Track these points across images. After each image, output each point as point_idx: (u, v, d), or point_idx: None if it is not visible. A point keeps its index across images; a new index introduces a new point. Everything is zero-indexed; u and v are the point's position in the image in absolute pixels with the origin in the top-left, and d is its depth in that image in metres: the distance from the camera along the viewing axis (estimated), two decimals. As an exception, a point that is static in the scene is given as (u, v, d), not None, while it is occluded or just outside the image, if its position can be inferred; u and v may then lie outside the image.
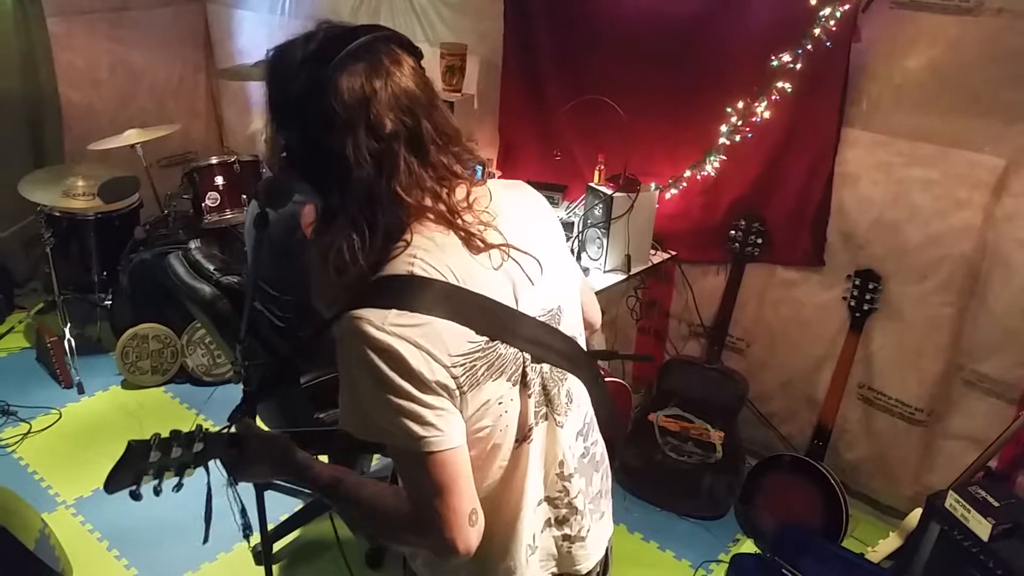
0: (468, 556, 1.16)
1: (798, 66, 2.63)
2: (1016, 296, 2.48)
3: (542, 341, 1.24)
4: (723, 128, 2.84)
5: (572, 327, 1.32)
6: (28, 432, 3.37)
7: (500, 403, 1.19)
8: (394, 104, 1.12)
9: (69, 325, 3.64)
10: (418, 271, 1.12)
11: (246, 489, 2.19)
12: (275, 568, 2.70)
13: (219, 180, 3.81)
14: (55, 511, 2.95)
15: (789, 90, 2.68)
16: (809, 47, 2.59)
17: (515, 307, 1.21)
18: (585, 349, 1.36)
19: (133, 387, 3.68)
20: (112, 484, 1.26)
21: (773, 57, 2.65)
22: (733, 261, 3.01)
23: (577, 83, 3.15)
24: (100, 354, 3.87)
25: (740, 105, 2.79)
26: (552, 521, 1.33)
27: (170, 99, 4.95)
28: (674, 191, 3.07)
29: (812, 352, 2.98)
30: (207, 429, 1.35)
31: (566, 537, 1.35)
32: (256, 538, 2.58)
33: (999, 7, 2.31)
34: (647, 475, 3.01)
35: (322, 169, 1.13)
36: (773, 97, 2.71)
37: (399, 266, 1.13)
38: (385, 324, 1.08)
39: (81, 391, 3.63)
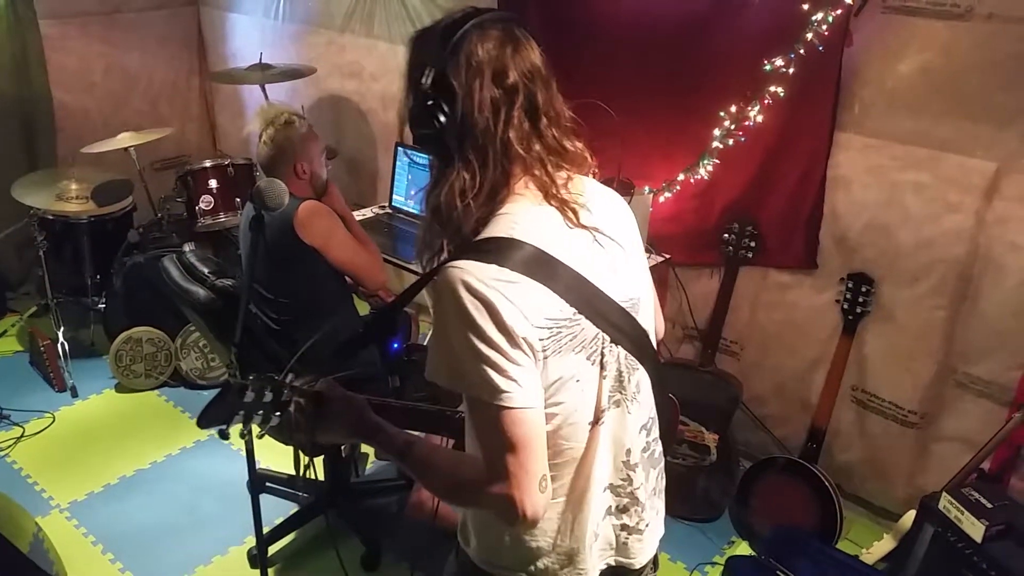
0: (534, 523, 1.19)
1: (791, 70, 2.64)
2: (1008, 299, 2.49)
3: (620, 326, 1.29)
4: (716, 132, 2.85)
5: (646, 321, 1.36)
6: (21, 436, 3.36)
7: (577, 381, 1.24)
8: (519, 67, 1.23)
9: (62, 328, 3.63)
10: (518, 236, 1.20)
11: (243, 496, 2.20)
12: (270, 572, 2.69)
13: (213, 183, 3.80)
14: (49, 515, 2.93)
15: (782, 94, 2.69)
16: (802, 51, 2.60)
17: (601, 288, 1.26)
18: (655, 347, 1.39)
19: (127, 390, 3.67)
20: (206, 419, 1.32)
21: (766, 61, 2.66)
22: (727, 264, 3.02)
23: (570, 86, 3.12)
24: (94, 357, 3.86)
25: (733, 109, 2.80)
26: (613, 509, 1.35)
27: (163, 102, 4.95)
28: (668, 194, 3.08)
29: (806, 355, 2.99)
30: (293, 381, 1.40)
31: (624, 527, 1.37)
32: (251, 541, 2.58)
33: (989, 12, 2.33)
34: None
35: (445, 112, 1.20)
36: (766, 101, 2.72)
37: (500, 229, 1.21)
38: (484, 276, 1.15)
39: (75, 394, 3.62)
